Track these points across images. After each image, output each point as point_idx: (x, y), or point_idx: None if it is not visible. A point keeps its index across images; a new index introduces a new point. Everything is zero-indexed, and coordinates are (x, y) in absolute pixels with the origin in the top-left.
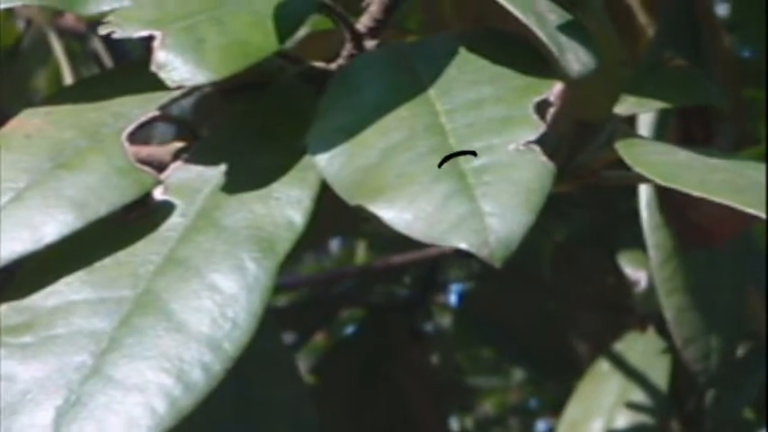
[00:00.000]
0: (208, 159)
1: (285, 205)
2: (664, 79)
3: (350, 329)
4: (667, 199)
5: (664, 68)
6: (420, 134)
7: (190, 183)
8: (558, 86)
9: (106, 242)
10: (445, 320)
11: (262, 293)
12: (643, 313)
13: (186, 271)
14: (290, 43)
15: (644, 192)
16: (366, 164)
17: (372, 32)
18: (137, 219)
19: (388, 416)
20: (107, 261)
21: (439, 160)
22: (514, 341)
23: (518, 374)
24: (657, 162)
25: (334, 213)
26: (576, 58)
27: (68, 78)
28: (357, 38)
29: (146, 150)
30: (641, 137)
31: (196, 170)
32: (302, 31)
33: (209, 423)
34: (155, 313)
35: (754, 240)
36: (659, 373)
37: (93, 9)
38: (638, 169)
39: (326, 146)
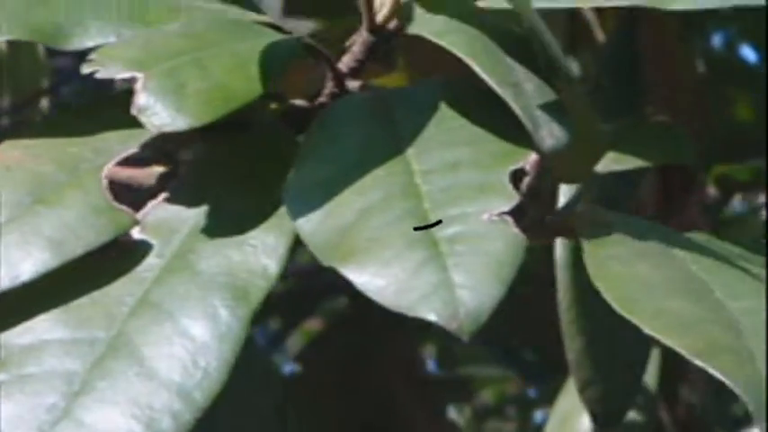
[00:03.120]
0: (186, 200)
1: (261, 253)
2: (644, 136)
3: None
4: None
5: (644, 124)
6: (396, 195)
7: (167, 222)
8: (534, 156)
9: (82, 280)
10: None
11: (233, 343)
12: None
13: (159, 314)
14: None
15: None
16: (341, 224)
17: (354, 73)
18: (114, 257)
19: (373, 407)
20: (82, 300)
21: (413, 225)
22: (503, 340)
23: None
24: (617, 276)
25: None
26: (550, 134)
27: None
28: (339, 77)
29: (125, 172)
30: (606, 222)
31: (174, 209)
32: None
33: None
34: (127, 357)
35: None
36: (650, 368)
37: (77, 44)
38: (597, 284)
39: (303, 202)
